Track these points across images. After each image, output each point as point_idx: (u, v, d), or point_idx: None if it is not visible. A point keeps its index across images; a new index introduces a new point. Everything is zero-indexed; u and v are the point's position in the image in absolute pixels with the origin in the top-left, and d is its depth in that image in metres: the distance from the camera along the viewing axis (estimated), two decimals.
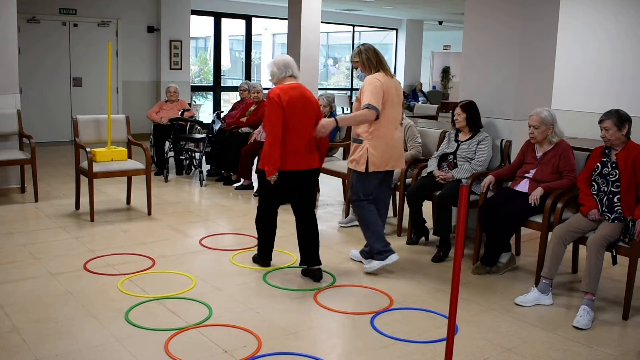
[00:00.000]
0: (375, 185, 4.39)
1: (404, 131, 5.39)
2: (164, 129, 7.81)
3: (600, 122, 3.89)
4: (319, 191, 6.65)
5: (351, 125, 4.32)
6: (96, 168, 5.50)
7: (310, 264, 4.23)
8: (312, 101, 4.16)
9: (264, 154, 4.04)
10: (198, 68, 15.44)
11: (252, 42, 14.35)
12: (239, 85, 8.36)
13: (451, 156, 4.94)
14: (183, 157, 7.93)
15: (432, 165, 5.05)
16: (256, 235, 5.09)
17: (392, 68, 16.82)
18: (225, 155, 7.36)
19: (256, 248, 4.59)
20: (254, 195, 6.75)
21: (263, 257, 4.47)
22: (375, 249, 4.37)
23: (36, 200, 6.16)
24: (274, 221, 4.37)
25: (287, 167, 4.04)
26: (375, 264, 4.38)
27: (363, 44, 4.42)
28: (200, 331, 3.36)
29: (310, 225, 4.25)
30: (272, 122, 3.98)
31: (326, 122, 4.09)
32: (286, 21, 9.45)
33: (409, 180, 5.23)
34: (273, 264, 4.49)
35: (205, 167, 7.84)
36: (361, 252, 4.62)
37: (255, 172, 4.08)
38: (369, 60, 4.31)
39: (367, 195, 4.37)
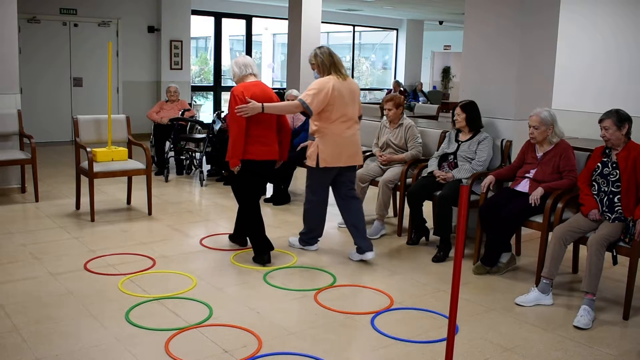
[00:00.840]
0: (327, 181, 4.67)
1: (404, 131, 5.42)
2: (164, 129, 7.81)
3: (600, 121, 3.90)
4: None
5: (275, 113, 4.49)
6: (96, 168, 5.50)
7: (240, 242, 4.86)
8: (271, 97, 4.47)
9: (229, 147, 4.36)
10: (198, 68, 15.43)
11: (253, 42, 14.35)
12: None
13: (451, 156, 4.94)
14: (183, 157, 7.93)
15: (432, 165, 5.05)
16: None
17: (392, 68, 16.88)
18: (225, 155, 7.35)
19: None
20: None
21: (260, 254, 4.51)
22: (305, 236, 4.89)
23: (36, 200, 6.16)
24: (259, 215, 4.54)
25: (250, 156, 4.37)
26: (297, 243, 4.93)
27: (320, 47, 4.63)
28: (201, 331, 3.36)
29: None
30: (236, 116, 4.27)
31: (252, 105, 4.28)
32: (287, 21, 9.46)
33: (409, 180, 5.23)
34: (273, 263, 4.49)
35: (206, 167, 7.84)
36: (299, 241, 4.94)
37: (225, 171, 4.54)
38: (323, 63, 4.53)
39: (318, 190, 4.70)
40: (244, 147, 4.33)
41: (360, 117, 4.77)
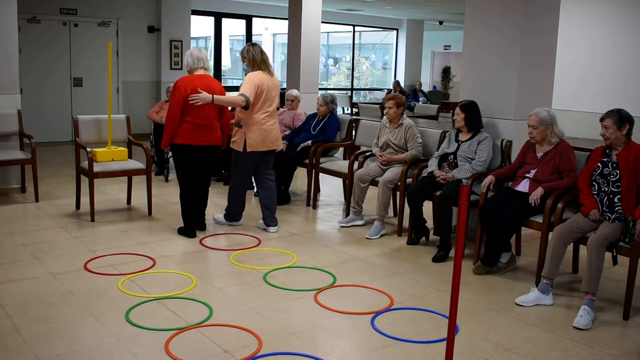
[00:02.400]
0: (253, 163, 5.25)
1: (404, 131, 5.42)
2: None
3: (601, 120, 3.90)
4: (319, 191, 6.63)
5: (223, 105, 5.02)
6: (97, 168, 5.50)
7: (199, 227, 5.27)
8: (214, 89, 4.88)
9: (164, 132, 4.93)
10: None
11: None
12: (239, 85, 8.34)
13: (452, 156, 4.94)
14: None
15: (432, 165, 5.05)
16: (256, 235, 5.18)
17: (392, 68, 16.89)
18: (225, 155, 7.34)
19: (256, 246, 4.78)
20: (255, 195, 6.76)
21: (187, 228, 5.13)
22: (230, 212, 5.41)
23: (37, 200, 6.16)
24: (190, 194, 5.09)
25: (186, 141, 4.87)
26: (221, 219, 5.49)
27: (253, 44, 5.19)
28: (201, 331, 3.36)
29: (203, 196, 5.26)
30: (172, 106, 4.84)
31: (203, 96, 4.77)
32: (287, 21, 9.45)
33: (409, 180, 5.23)
34: (274, 263, 4.50)
35: None
36: (225, 217, 5.50)
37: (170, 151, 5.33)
38: (254, 59, 5.09)
39: (245, 170, 5.29)
40: (180, 132, 4.83)
41: (277, 108, 5.39)
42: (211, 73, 5.07)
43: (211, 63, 13.96)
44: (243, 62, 5.22)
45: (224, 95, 4.99)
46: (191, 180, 5.08)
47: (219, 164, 7.46)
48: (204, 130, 4.90)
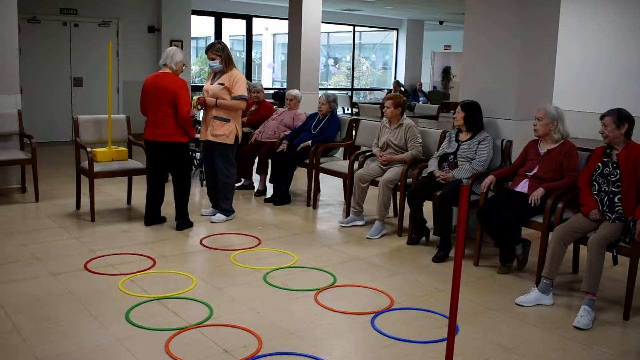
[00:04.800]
0: None
1: (404, 131, 5.42)
2: None
3: (601, 118, 3.92)
4: (319, 191, 6.63)
5: (227, 109, 5.34)
6: (97, 168, 5.50)
7: (178, 217, 5.34)
8: (164, 88, 5.09)
9: None
10: (198, 68, 15.43)
11: (253, 42, 14.35)
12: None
13: (452, 156, 4.94)
14: None
15: (432, 165, 5.05)
16: (256, 235, 5.17)
17: (392, 68, 16.88)
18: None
19: (256, 246, 4.82)
20: (255, 196, 6.76)
21: (147, 215, 5.40)
22: (227, 208, 5.62)
23: (37, 200, 6.16)
24: (155, 185, 5.33)
25: (144, 137, 5.23)
26: (223, 218, 5.59)
27: (220, 42, 5.40)
28: (201, 331, 3.36)
29: (182, 190, 5.31)
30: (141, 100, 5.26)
31: (208, 101, 5.31)
32: (287, 21, 9.46)
33: (409, 180, 5.22)
34: (274, 263, 4.50)
35: None
36: (225, 213, 5.63)
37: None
38: (229, 57, 5.35)
39: (234, 159, 5.60)
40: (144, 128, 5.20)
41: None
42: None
43: None
44: (213, 60, 5.31)
45: (171, 93, 5.04)
46: (155, 175, 5.33)
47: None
48: (154, 127, 5.14)
